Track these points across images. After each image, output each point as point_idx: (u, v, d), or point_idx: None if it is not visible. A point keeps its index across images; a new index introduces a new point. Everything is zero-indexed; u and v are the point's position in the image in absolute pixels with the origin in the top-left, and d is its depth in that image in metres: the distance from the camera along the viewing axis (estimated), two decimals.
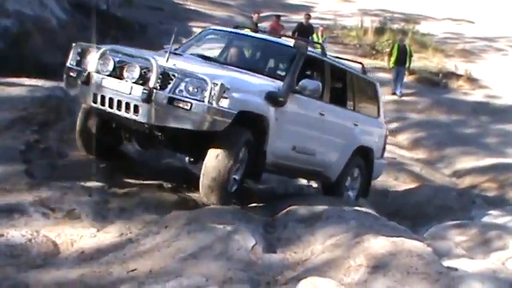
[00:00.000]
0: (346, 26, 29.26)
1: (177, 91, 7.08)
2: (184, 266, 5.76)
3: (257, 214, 7.57)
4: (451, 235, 8.12)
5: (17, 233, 5.91)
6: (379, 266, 5.94)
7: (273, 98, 7.75)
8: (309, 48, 8.94)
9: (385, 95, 20.74)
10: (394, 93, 20.84)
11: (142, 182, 8.04)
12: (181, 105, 7.00)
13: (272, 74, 8.50)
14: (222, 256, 6.04)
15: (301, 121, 8.45)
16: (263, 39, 9.40)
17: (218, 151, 7.28)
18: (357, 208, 8.31)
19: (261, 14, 21.06)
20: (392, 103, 20.31)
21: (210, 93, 6.95)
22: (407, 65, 20.96)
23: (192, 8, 28.47)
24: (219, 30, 9.90)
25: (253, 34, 9.76)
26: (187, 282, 5.28)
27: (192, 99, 7.01)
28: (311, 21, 21.10)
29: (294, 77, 8.25)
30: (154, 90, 7.04)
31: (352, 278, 5.83)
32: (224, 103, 7.08)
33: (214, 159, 7.27)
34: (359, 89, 10.07)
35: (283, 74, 8.47)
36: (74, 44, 7.85)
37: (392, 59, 20.94)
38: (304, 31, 20.03)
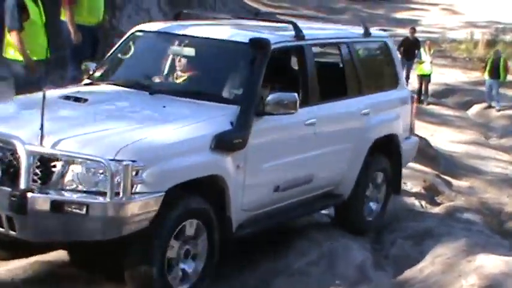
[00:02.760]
0: (455, 39, 28.73)
1: (65, 185, 4.72)
2: (291, 281, 5.83)
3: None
4: None
5: None
6: (492, 286, 5.79)
7: (224, 144, 5.34)
8: (277, 35, 6.42)
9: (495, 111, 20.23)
10: (492, 107, 20.17)
11: None
12: (73, 209, 4.62)
13: (222, 96, 5.90)
14: (328, 272, 6.07)
15: (280, 149, 6.05)
16: (205, 38, 6.38)
17: (140, 245, 4.95)
18: (468, 226, 8.11)
19: None
20: (503, 118, 19.74)
21: (112, 181, 4.59)
22: (501, 78, 20.24)
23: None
24: (147, 31, 6.81)
25: (190, 32, 6.50)
26: None
27: (88, 195, 4.67)
28: (417, 34, 20.85)
29: (255, 94, 5.75)
30: (29, 194, 4.63)
31: None
32: (141, 186, 4.71)
33: (135, 258, 4.98)
34: (363, 60, 7.60)
35: (239, 92, 5.86)
36: None
37: (486, 71, 20.37)
38: (410, 45, 19.90)
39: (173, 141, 5.10)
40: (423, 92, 19.54)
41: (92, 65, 6.63)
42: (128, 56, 6.65)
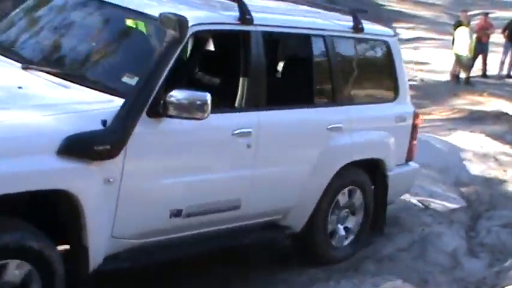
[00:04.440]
0: None
1: None
2: (380, 267, 5.81)
3: (458, 217, 7.42)
4: None
5: None
6: None
7: (80, 150, 3.96)
8: (210, 14, 5.01)
9: None
10: None
11: None
12: None
13: (108, 85, 4.43)
14: (419, 258, 6.04)
15: (186, 164, 4.67)
16: (113, 5, 4.98)
17: None
18: None
19: (469, 13, 20.50)
20: None
21: None
22: None
23: (396, 9, 28.29)
24: None
25: None
26: (383, 283, 5.30)
27: None
28: None
29: (151, 88, 4.31)
30: None
31: None
32: None
33: None
34: (346, 61, 6.04)
35: (133, 82, 4.39)
36: None
37: None
38: None
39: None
40: None
41: None
42: (26, 14, 5.39)
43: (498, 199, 8.78)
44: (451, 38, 19.17)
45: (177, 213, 4.65)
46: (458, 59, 18.48)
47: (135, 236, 4.50)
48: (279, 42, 5.64)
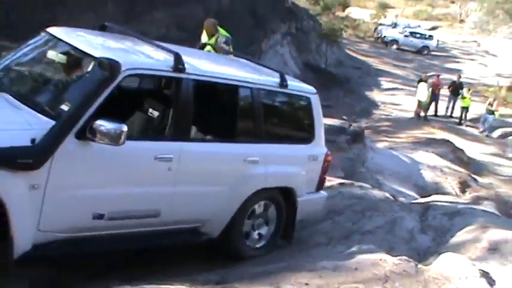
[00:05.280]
0: (486, 84, 27.27)
1: None
2: (363, 238, 5.76)
3: (415, 208, 7.39)
4: None
5: None
6: (496, 248, 5.57)
7: (6, 161, 3.36)
8: (145, 60, 4.11)
9: None
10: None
11: None
12: None
13: (45, 108, 3.73)
14: (389, 233, 5.98)
15: (107, 179, 3.87)
16: (70, 45, 4.16)
17: None
18: (484, 209, 7.78)
19: (427, 74, 20.38)
20: None
21: None
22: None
23: (381, 68, 28.09)
24: (48, 32, 4.43)
25: (69, 38, 4.23)
26: (364, 248, 5.31)
27: None
28: (461, 79, 20.12)
29: (79, 115, 3.63)
30: None
31: (477, 255, 5.52)
32: None
33: None
34: (270, 109, 4.93)
35: (66, 108, 3.71)
36: None
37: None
38: (456, 86, 19.55)
39: None
40: (463, 118, 19.00)
41: None
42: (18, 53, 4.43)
43: (441, 197, 8.74)
44: (415, 89, 19.07)
45: (99, 217, 3.86)
46: (419, 103, 18.38)
47: (61, 231, 3.74)
48: (208, 89, 4.49)
